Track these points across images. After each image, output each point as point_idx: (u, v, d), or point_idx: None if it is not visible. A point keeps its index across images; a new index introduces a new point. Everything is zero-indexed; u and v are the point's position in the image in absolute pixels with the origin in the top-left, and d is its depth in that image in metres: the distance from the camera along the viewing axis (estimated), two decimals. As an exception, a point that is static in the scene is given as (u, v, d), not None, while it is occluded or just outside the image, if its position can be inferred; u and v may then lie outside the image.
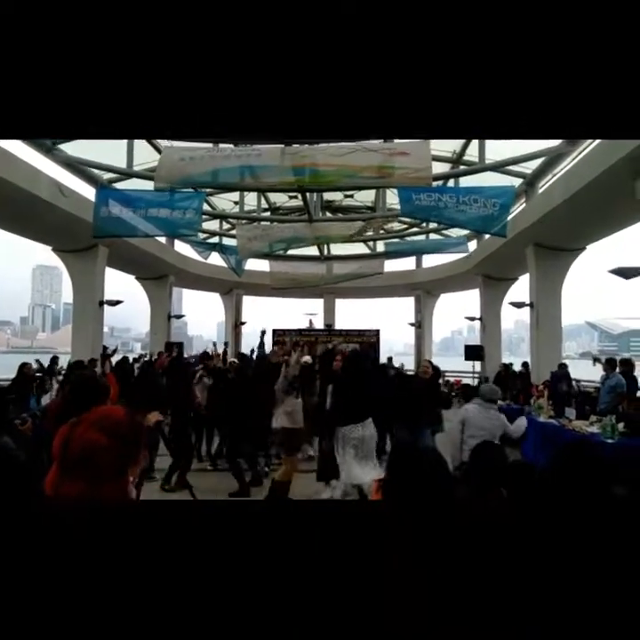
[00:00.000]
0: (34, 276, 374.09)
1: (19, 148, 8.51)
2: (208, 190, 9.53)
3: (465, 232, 11.18)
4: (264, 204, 13.16)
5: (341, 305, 20.21)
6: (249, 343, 8.62)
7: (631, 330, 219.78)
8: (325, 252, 12.74)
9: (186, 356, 11.72)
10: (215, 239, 13.27)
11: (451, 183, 10.50)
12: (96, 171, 10.59)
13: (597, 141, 7.13)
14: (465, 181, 9.92)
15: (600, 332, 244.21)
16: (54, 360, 9.43)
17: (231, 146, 6.38)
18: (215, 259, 12.70)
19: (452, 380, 15.39)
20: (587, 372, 9.97)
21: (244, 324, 19.41)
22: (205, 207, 9.53)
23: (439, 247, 12.44)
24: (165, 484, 5.66)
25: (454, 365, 18.29)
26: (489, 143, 8.94)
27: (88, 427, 1.87)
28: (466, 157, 10.27)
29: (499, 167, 9.40)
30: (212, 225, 13.66)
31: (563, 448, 2.12)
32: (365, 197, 13.39)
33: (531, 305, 11.11)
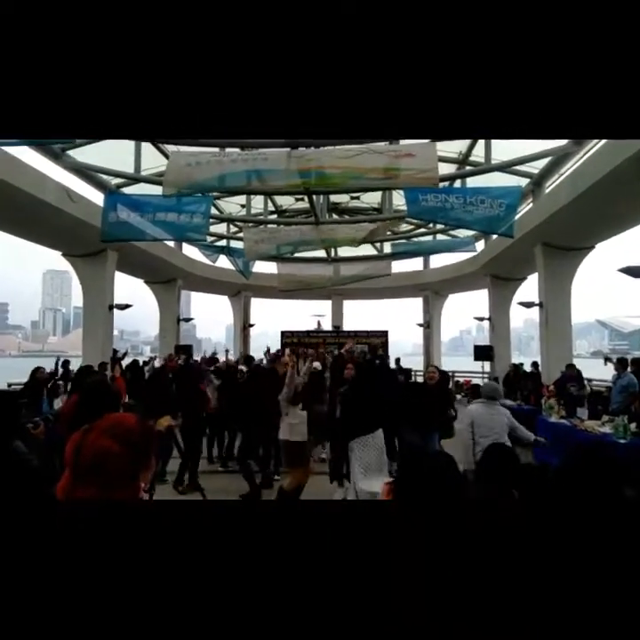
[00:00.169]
0: (44, 281, 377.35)
1: (27, 155, 8.64)
2: (215, 194, 9.58)
3: (472, 232, 11.14)
4: (271, 207, 13.21)
5: (349, 306, 20.22)
6: (259, 344, 8.59)
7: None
8: (333, 253, 12.75)
9: (196, 358, 11.75)
10: (223, 242, 13.33)
11: (457, 184, 10.48)
12: (104, 176, 10.69)
13: (604, 141, 7.08)
14: (471, 182, 9.90)
15: (610, 331, 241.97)
16: (65, 364, 9.51)
17: (237, 150, 6.42)
18: (223, 262, 12.78)
19: (461, 380, 15.32)
20: (598, 372, 9.89)
21: (252, 326, 19.47)
22: (212, 211, 9.59)
23: (447, 247, 12.40)
24: (178, 485, 5.71)
25: (463, 365, 18.21)
26: (495, 143, 8.91)
27: (100, 433, 1.89)
28: (472, 158, 10.24)
29: (505, 167, 9.37)
30: (220, 228, 13.72)
31: (575, 449, 2.12)
32: (372, 199, 13.39)
33: (540, 304, 11.03)
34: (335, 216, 13.91)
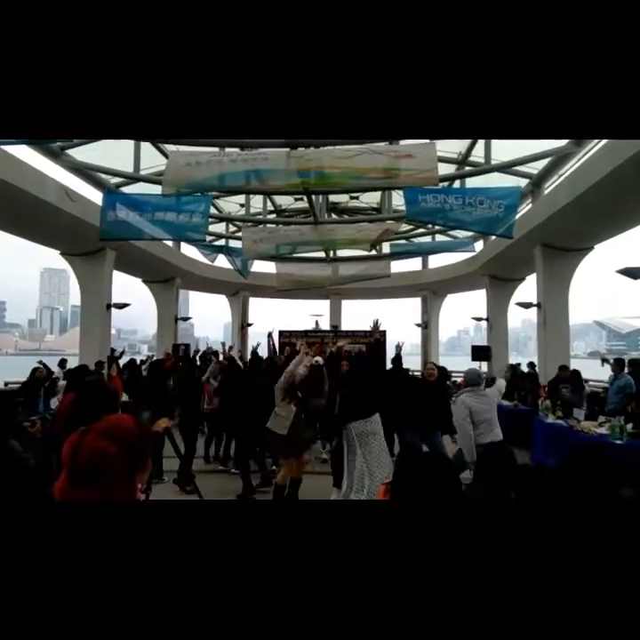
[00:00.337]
0: (42, 279, 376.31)
1: (26, 154, 8.62)
2: (214, 193, 9.57)
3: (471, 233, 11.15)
4: (270, 207, 13.20)
5: (347, 306, 20.20)
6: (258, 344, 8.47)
7: (639, 329, 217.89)
8: (331, 253, 12.75)
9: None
10: (221, 242, 13.32)
11: (457, 184, 10.48)
12: (103, 175, 10.67)
13: (604, 141, 7.09)
14: (471, 182, 9.91)
15: (608, 331, 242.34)
16: (62, 363, 9.50)
17: (237, 150, 6.42)
18: (222, 261, 12.76)
19: (459, 380, 15.31)
20: (594, 372, 9.92)
21: (250, 325, 19.48)
22: (211, 210, 9.58)
23: (445, 248, 12.40)
24: (185, 485, 5.69)
25: (461, 366, 18.21)
26: (495, 144, 8.92)
27: (97, 435, 1.89)
28: (472, 158, 10.25)
29: (505, 168, 9.38)
30: (219, 227, 13.71)
31: (571, 451, 2.12)
32: (371, 199, 13.39)
33: (538, 305, 11.05)
34: (334, 216, 13.90)
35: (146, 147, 9.28)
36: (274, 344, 9.58)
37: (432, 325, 18.80)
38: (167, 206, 7.29)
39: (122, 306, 11.92)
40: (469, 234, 11.33)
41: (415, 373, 12.77)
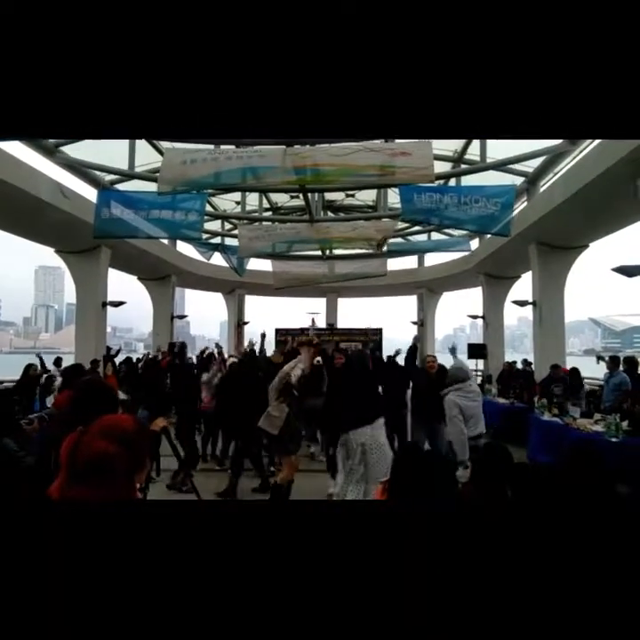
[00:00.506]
0: (36, 277, 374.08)
1: (20, 150, 8.55)
2: (210, 191, 9.54)
3: (466, 231, 11.16)
4: (266, 205, 13.17)
5: (344, 304, 20.22)
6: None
7: (634, 326, 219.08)
8: (328, 251, 12.74)
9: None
10: (217, 239, 13.29)
11: (452, 182, 10.49)
12: (98, 172, 10.61)
13: (598, 140, 7.11)
14: (466, 180, 9.91)
15: (603, 329, 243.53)
16: (58, 362, 9.47)
17: (233, 147, 6.38)
18: (217, 259, 12.73)
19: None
20: (589, 370, 9.95)
21: (246, 323, 19.45)
22: (207, 207, 9.55)
23: (441, 246, 12.42)
24: (181, 486, 5.68)
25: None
26: (490, 142, 8.91)
27: (96, 434, 1.88)
28: (467, 156, 10.25)
29: (500, 166, 9.37)
30: (214, 225, 13.66)
31: (568, 450, 2.13)
32: (367, 197, 13.39)
33: (533, 303, 11.09)
34: (330, 214, 13.89)
35: (141, 144, 9.23)
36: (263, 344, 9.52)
37: (428, 323, 18.83)
38: (162, 204, 7.25)
39: (117, 304, 11.87)
40: (464, 232, 11.37)
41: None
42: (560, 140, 8.42)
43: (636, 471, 4.18)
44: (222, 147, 6.44)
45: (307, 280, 12.74)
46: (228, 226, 14.13)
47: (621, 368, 7.48)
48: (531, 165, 10.42)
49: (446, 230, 12.27)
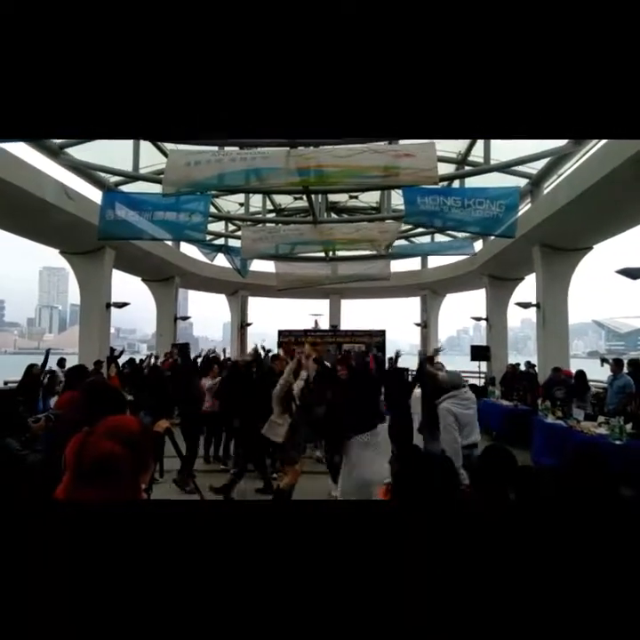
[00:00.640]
0: (40, 278, 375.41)
1: (25, 152, 8.59)
2: (213, 192, 9.56)
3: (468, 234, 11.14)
4: (269, 206, 13.19)
5: (347, 305, 20.22)
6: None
7: (638, 329, 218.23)
8: (331, 253, 12.76)
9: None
10: (221, 241, 13.31)
11: (456, 184, 10.48)
12: (102, 174, 10.65)
13: (603, 141, 7.09)
14: (470, 182, 9.91)
15: (607, 331, 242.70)
16: (61, 362, 9.47)
17: (236, 149, 6.40)
18: (221, 260, 12.76)
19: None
20: (593, 372, 9.91)
21: (249, 325, 19.47)
22: (211, 209, 9.57)
23: (444, 249, 12.39)
24: (184, 486, 5.68)
25: (460, 365, 18.20)
26: (494, 143, 8.91)
27: (101, 436, 1.89)
28: (471, 158, 10.25)
29: (504, 167, 9.37)
30: (218, 226, 13.69)
31: (572, 452, 2.12)
32: (370, 198, 13.39)
33: (537, 305, 11.06)
34: (334, 215, 13.90)
35: (145, 145, 9.27)
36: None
37: (431, 325, 18.80)
38: (166, 205, 7.28)
39: (121, 305, 11.90)
40: (468, 234, 11.35)
41: (411, 373, 12.76)
42: (564, 142, 8.41)
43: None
44: (226, 148, 6.45)
45: (310, 281, 12.74)
46: (231, 227, 14.16)
47: (625, 371, 7.44)
48: (535, 167, 10.40)
49: (450, 232, 12.25)
